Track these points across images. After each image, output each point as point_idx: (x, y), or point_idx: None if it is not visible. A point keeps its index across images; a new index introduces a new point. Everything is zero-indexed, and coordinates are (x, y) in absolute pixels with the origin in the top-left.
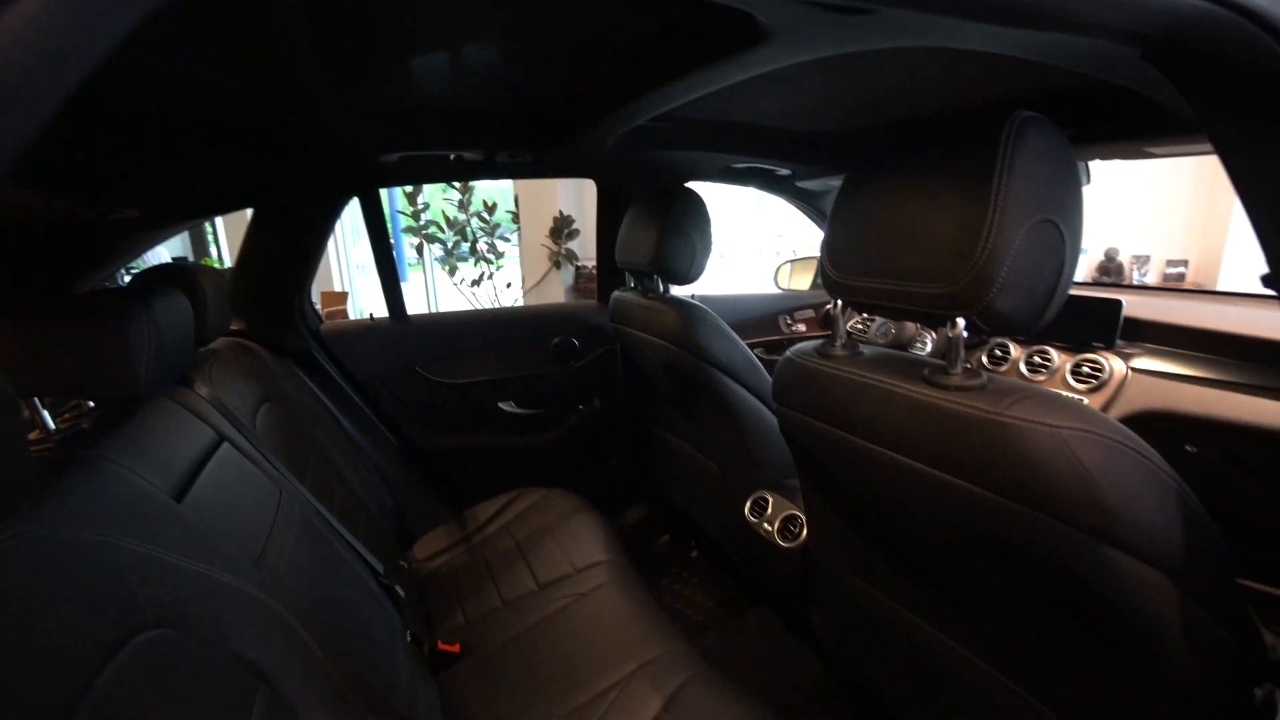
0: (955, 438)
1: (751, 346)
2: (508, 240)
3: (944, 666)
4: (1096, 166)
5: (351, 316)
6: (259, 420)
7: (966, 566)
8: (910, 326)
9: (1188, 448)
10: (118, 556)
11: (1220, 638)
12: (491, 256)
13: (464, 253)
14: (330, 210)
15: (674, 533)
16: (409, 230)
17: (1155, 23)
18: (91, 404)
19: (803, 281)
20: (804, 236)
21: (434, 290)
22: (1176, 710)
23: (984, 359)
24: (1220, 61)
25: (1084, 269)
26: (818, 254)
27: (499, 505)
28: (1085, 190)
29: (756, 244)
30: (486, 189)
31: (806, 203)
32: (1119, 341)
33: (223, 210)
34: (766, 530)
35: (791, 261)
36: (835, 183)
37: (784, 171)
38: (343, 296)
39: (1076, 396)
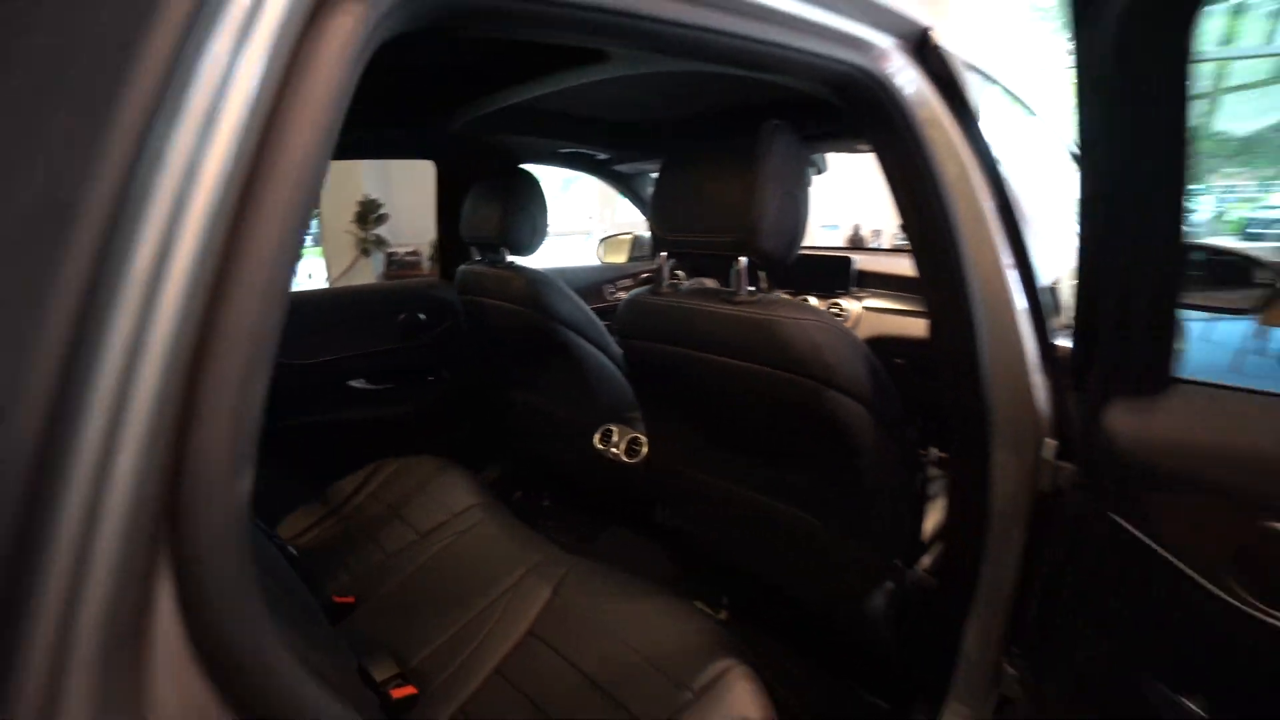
0: (747, 334)
1: None
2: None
3: (753, 512)
4: (844, 160)
5: None
6: None
7: (764, 427)
8: (707, 282)
9: (896, 360)
10: None
11: (896, 460)
12: None
13: None
14: None
15: (526, 488)
16: None
17: (829, 79)
18: None
19: (619, 255)
20: (615, 218)
21: None
22: (877, 507)
23: None
24: (864, 99)
25: (839, 239)
26: (629, 233)
27: (361, 478)
28: (834, 181)
29: (570, 225)
30: None
31: (622, 184)
32: (854, 288)
33: None
34: (614, 454)
35: (607, 238)
36: (645, 166)
37: (603, 156)
38: None
39: None
